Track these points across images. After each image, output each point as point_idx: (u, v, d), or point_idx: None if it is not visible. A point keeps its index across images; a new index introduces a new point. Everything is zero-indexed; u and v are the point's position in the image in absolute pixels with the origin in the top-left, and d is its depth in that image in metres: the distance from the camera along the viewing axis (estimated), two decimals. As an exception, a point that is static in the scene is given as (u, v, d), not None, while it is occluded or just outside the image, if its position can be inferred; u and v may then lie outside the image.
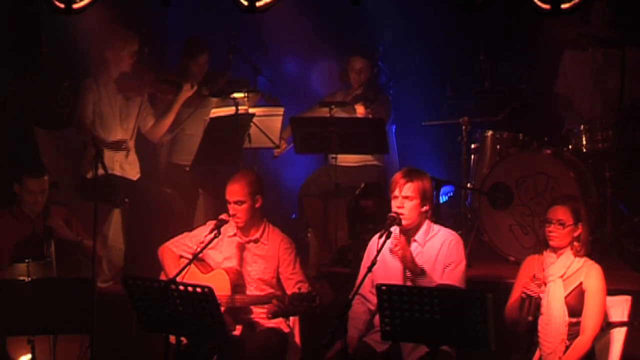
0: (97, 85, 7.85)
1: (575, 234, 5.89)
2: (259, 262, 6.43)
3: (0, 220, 7.09)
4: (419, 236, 6.07)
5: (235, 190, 6.36)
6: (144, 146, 8.11)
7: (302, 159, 8.41)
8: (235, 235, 6.48)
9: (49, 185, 7.05)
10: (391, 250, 6.01)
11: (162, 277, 6.42)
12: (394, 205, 6.01)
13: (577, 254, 5.89)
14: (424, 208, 6.04)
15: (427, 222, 6.08)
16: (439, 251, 6.03)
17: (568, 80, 8.42)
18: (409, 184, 6.00)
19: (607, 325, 5.90)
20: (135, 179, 7.91)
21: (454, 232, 6.17)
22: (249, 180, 6.40)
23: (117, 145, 7.79)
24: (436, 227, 6.13)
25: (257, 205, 6.41)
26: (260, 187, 6.43)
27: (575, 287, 5.83)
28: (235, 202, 6.35)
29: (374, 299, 6.02)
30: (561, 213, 5.89)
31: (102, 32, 7.75)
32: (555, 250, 5.91)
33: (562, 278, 5.85)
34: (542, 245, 6.01)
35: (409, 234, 6.05)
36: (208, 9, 8.96)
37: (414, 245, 6.05)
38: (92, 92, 7.81)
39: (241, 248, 6.45)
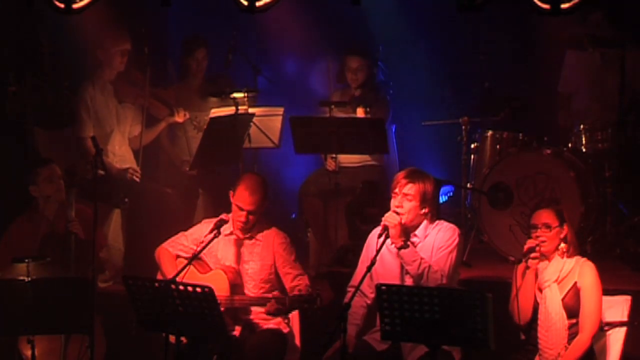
0: (93, 87, 7.84)
1: (562, 236, 5.87)
2: (256, 259, 6.42)
3: (18, 229, 7.03)
4: (419, 231, 6.06)
5: (252, 201, 6.33)
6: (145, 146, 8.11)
7: (302, 159, 8.41)
8: (231, 233, 6.48)
9: (63, 175, 6.96)
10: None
11: (159, 278, 6.40)
12: (393, 203, 6.00)
13: (565, 255, 5.86)
14: (423, 210, 6.02)
15: (426, 220, 6.07)
16: (435, 238, 6.03)
17: (570, 80, 8.42)
18: (409, 185, 5.98)
19: (606, 325, 5.90)
20: (132, 166, 7.88)
21: (452, 225, 6.14)
22: (265, 192, 6.39)
23: (125, 172, 7.77)
24: (436, 222, 6.11)
25: (262, 211, 6.44)
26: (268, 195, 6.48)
27: (571, 288, 5.81)
28: (249, 212, 6.36)
29: (370, 293, 6.04)
30: (545, 216, 5.87)
31: (99, 32, 7.76)
32: (545, 256, 5.89)
33: (557, 282, 5.83)
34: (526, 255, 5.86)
35: (408, 230, 6.04)
36: (208, 9, 8.96)
37: (414, 239, 6.03)
38: (89, 95, 7.80)
39: (238, 246, 6.45)
